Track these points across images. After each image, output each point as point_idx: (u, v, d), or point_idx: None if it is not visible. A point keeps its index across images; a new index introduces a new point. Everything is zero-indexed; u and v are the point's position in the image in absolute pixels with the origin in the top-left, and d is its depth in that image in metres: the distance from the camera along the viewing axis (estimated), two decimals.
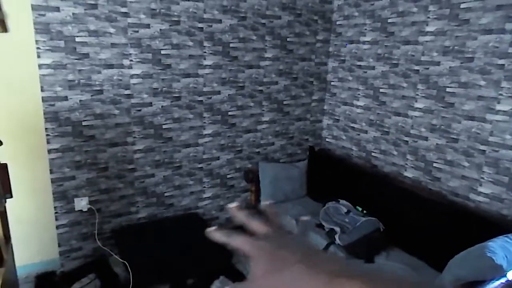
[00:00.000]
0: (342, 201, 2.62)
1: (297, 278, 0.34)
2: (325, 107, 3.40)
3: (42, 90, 2.25)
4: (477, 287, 1.64)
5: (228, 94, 2.87)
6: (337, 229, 2.36)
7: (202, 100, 2.77)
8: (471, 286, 1.65)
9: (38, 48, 2.18)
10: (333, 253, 1.98)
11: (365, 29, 2.93)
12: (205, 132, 2.86)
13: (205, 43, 2.68)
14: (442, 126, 2.46)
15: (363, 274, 0.33)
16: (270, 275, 0.35)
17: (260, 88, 3.01)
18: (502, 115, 2.14)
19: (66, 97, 2.32)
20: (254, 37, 2.87)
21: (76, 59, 2.29)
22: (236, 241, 0.40)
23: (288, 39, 3.03)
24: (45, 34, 2.18)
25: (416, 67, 2.58)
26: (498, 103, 2.15)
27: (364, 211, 2.52)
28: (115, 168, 2.58)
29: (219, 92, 2.83)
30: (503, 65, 2.11)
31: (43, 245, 2.52)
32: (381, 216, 2.43)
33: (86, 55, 2.31)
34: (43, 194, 2.43)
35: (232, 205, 0.43)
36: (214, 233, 0.42)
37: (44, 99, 2.26)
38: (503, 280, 1.68)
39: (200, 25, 2.62)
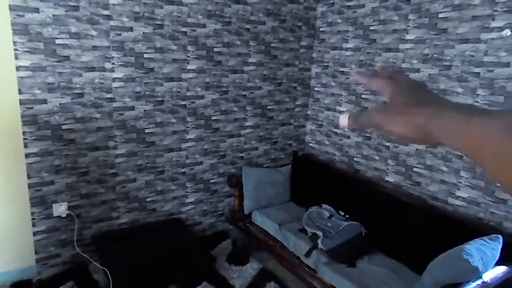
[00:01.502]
0: (324, 206, 2.64)
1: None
2: (309, 112, 3.43)
3: (20, 93, 2.19)
4: None
5: (212, 99, 2.87)
6: (320, 233, 2.37)
7: (185, 105, 2.76)
8: None
9: (16, 49, 2.12)
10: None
11: (348, 36, 2.98)
12: (188, 136, 2.84)
13: (189, 47, 2.67)
14: None
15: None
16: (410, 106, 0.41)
17: (244, 93, 3.02)
18: None
19: (46, 100, 2.26)
20: (239, 42, 2.88)
21: (56, 61, 2.24)
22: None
23: (272, 45, 3.05)
24: (24, 36, 2.13)
25: None
26: None
27: (347, 216, 2.55)
28: (96, 173, 2.53)
29: (202, 97, 2.82)
30: (479, 73, 2.18)
31: (19, 252, 2.44)
32: (363, 220, 2.46)
33: (67, 58, 2.27)
34: (19, 199, 2.35)
35: (353, 70, 0.47)
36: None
37: (22, 102, 2.20)
38: (479, 281, 1.72)
39: (184, 29, 2.61)
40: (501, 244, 1.84)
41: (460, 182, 2.34)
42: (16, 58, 2.14)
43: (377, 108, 0.44)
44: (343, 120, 0.45)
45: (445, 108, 0.37)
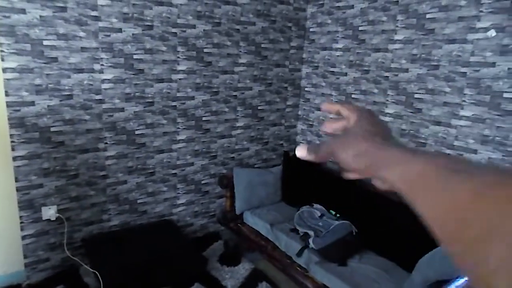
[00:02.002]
0: (316, 205, 2.65)
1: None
2: (299, 113, 3.45)
3: (6, 95, 2.15)
4: (443, 286, 1.70)
5: (202, 100, 2.86)
6: (311, 233, 2.39)
7: (175, 106, 2.75)
8: (438, 285, 1.71)
9: (2, 51, 2.09)
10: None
11: (338, 37, 3.00)
12: (179, 137, 2.83)
13: (179, 48, 2.66)
14: (411, 131, 2.55)
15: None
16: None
17: (234, 93, 3.02)
18: (466, 121, 2.24)
19: (33, 102, 2.23)
20: (229, 43, 2.88)
21: (44, 63, 2.22)
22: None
23: (262, 46, 3.06)
24: (10, 37, 2.09)
25: (386, 74, 2.66)
26: (462, 109, 2.26)
27: (337, 215, 2.57)
28: (85, 175, 2.50)
29: (193, 98, 2.81)
30: (466, 73, 2.21)
31: (7, 257, 2.41)
32: (354, 219, 2.48)
33: (55, 59, 2.24)
34: (7, 203, 2.32)
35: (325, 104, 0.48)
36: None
37: (8, 104, 2.17)
38: (466, 278, 1.75)
39: (173, 30, 2.60)
40: None
41: None
42: (2, 59, 2.10)
43: (334, 137, 0.45)
44: (300, 151, 0.46)
45: (393, 143, 0.38)
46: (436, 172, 0.30)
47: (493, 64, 2.09)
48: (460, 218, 0.26)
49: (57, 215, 2.43)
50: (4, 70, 2.12)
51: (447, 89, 2.32)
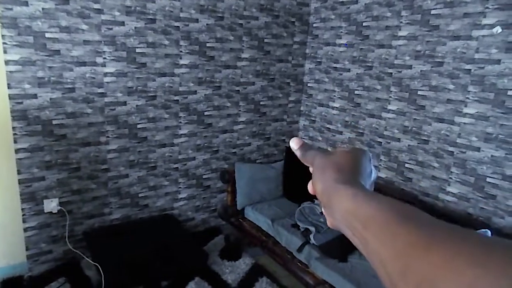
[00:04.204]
0: (317, 201, 2.65)
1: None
2: (302, 108, 3.44)
3: (9, 87, 2.16)
4: None
5: (205, 94, 2.86)
6: (312, 228, 2.39)
7: (178, 100, 2.74)
8: None
9: (4, 43, 2.09)
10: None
11: (341, 32, 2.98)
12: (181, 132, 2.83)
13: (182, 42, 2.65)
14: (414, 128, 2.54)
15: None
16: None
17: (237, 88, 3.01)
18: (469, 118, 2.23)
19: (36, 95, 2.23)
20: (231, 38, 2.86)
21: (46, 55, 2.21)
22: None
23: (265, 40, 3.04)
24: (12, 29, 2.09)
25: (390, 70, 2.65)
26: (465, 106, 2.24)
27: None
28: (87, 169, 2.51)
29: (195, 92, 2.81)
30: (470, 70, 2.19)
31: (9, 249, 2.42)
32: None
33: (57, 52, 2.24)
34: (9, 195, 2.33)
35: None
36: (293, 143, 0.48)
37: (11, 97, 2.17)
38: None
39: (176, 24, 2.59)
40: None
41: (450, 178, 2.36)
42: (5, 52, 2.10)
43: (321, 152, 0.45)
44: (294, 143, 0.48)
45: (357, 184, 0.38)
46: (390, 217, 0.30)
47: (498, 61, 2.07)
48: (403, 264, 0.27)
49: (59, 208, 2.44)
50: (7, 62, 2.12)
51: (451, 86, 2.30)
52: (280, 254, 2.47)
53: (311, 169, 0.44)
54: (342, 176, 0.38)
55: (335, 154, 0.43)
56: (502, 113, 2.08)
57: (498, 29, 2.05)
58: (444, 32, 2.29)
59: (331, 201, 0.37)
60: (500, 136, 2.10)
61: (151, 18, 2.49)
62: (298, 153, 0.47)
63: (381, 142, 2.77)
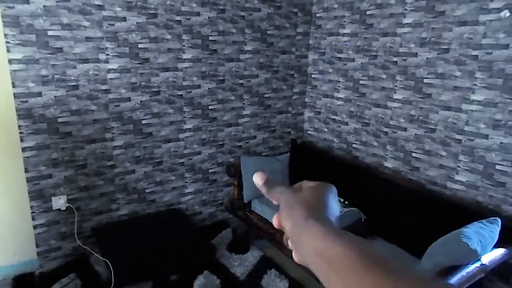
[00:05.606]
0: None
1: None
2: (306, 100, 3.41)
3: (13, 86, 2.16)
4: (454, 272, 1.69)
5: (208, 88, 2.84)
6: None
7: (182, 94, 2.73)
8: (448, 271, 1.70)
9: (7, 42, 2.09)
10: None
11: (345, 21, 2.94)
12: (185, 126, 2.82)
13: (184, 36, 2.63)
14: (420, 117, 2.51)
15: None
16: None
17: (240, 81, 2.99)
18: (477, 105, 2.19)
19: (40, 93, 2.24)
20: (234, 30, 2.84)
21: (49, 53, 2.21)
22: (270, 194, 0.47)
23: (268, 32, 3.01)
24: (15, 28, 2.09)
25: (395, 59, 2.61)
26: (473, 93, 2.20)
27: (346, 202, 2.55)
28: (94, 165, 2.52)
29: (199, 86, 2.79)
30: (477, 56, 2.15)
31: (20, 246, 2.45)
32: (363, 206, 2.47)
33: (60, 50, 2.24)
34: (18, 193, 2.35)
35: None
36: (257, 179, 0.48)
37: (16, 96, 2.18)
38: (477, 264, 1.73)
39: (178, 18, 2.57)
40: (500, 226, 1.85)
41: (459, 166, 2.33)
42: (8, 51, 2.10)
43: (287, 188, 0.45)
44: (258, 179, 0.47)
45: (325, 221, 0.38)
46: (356, 260, 0.31)
47: (506, 46, 2.03)
48: None
49: (67, 205, 2.46)
50: (10, 61, 2.12)
51: (458, 73, 2.26)
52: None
53: (275, 202, 0.44)
54: (312, 214, 0.38)
55: (302, 191, 0.43)
56: (511, 99, 2.04)
57: (506, 13, 2.00)
58: (450, 18, 2.25)
59: (300, 239, 0.37)
60: (509, 122, 2.06)
61: (152, 13, 2.47)
62: (263, 190, 0.47)
63: (387, 132, 2.74)
